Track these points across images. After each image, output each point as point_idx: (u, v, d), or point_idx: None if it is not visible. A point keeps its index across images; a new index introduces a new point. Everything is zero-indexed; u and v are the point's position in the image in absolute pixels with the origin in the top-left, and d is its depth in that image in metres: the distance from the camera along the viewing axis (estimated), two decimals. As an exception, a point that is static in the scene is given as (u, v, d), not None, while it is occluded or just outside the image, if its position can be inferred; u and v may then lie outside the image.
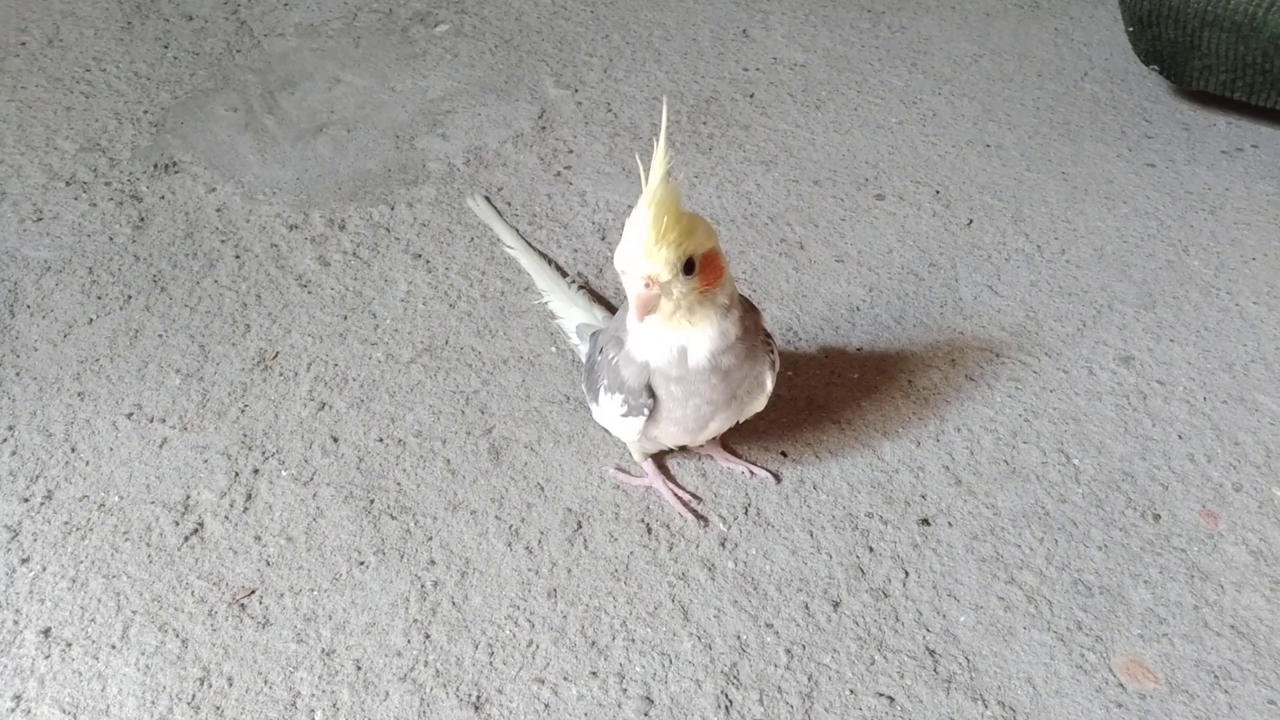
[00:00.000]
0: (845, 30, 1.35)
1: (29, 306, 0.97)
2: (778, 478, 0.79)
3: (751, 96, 1.23)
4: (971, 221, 1.03)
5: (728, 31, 1.35)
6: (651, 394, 0.66)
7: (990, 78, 1.25)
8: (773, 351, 0.71)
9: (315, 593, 0.72)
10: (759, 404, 0.73)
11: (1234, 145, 1.13)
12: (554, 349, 0.90)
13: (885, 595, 0.71)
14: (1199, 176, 1.08)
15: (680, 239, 0.60)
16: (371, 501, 0.78)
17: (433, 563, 0.74)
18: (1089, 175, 1.09)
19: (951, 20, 1.36)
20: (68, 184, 1.12)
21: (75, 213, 1.08)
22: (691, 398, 0.67)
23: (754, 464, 0.79)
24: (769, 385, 0.71)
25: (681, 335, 0.64)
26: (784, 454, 0.81)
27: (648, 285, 0.60)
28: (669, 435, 0.71)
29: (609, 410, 0.70)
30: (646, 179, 0.60)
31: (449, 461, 0.81)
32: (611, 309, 0.91)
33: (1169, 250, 0.99)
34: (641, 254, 0.59)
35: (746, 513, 0.76)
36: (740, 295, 0.68)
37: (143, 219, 1.07)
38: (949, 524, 0.76)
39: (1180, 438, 0.81)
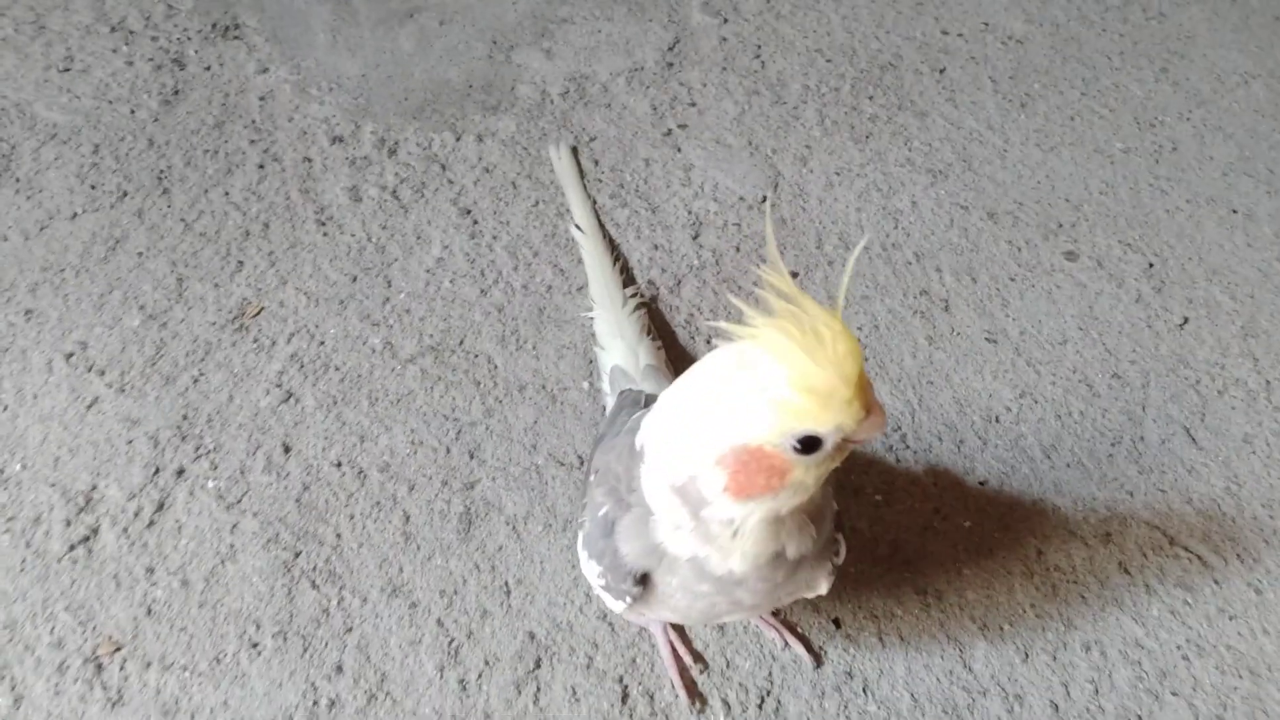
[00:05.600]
0: (1088, 2, 1.04)
1: (17, 180, 0.82)
2: (819, 659, 0.58)
3: (941, 72, 0.96)
4: (1186, 321, 0.76)
5: (934, -24, 1.06)
6: (641, 582, 0.46)
7: (1260, 110, 0.93)
8: (839, 553, 0.49)
9: (187, 673, 0.56)
10: (793, 599, 0.51)
11: None
12: (586, 384, 0.71)
13: None
14: None
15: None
16: (296, 555, 0.61)
17: (339, 670, 0.57)
18: (1371, 287, 0.79)
19: (1227, 18, 1.03)
20: (112, 30, 0.96)
21: (106, 70, 0.92)
22: (718, 595, 0.45)
23: (794, 630, 0.58)
24: (824, 589, 0.49)
25: (788, 530, 0.43)
26: (836, 623, 0.60)
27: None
28: (663, 617, 0.50)
29: (587, 568, 0.49)
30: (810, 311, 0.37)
31: (408, 518, 0.63)
32: (668, 343, 0.70)
33: None
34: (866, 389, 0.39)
35: (761, 705, 0.56)
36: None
37: (176, 92, 0.90)
38: (1036, 794, 0.54)
39: None
